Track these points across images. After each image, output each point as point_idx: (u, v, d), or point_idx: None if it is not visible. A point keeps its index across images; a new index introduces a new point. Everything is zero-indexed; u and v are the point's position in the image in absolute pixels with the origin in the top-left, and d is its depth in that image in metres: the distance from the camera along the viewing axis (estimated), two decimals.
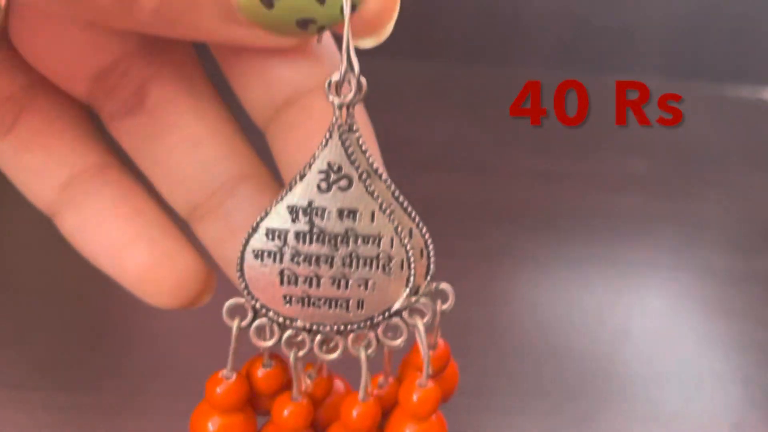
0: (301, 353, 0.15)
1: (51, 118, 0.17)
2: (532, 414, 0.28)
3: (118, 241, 0.16)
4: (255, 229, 0.14)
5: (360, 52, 0.14)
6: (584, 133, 0.51)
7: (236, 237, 0.16)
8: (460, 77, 0.57)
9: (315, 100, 0.15)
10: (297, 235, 0.14)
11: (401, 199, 0.15)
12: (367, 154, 0.14)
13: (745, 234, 0.40)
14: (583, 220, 0.40)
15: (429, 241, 0.15)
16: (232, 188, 0.16)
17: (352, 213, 0.14)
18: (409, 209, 0.15)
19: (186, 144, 0.16)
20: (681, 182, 0.45)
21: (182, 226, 0.17)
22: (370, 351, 0.15)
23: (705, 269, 0.37)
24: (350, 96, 0.14)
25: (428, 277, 0.15)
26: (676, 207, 0.42)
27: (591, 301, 0.34)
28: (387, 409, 0.16)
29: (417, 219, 0.15)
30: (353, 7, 0.13)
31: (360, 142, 0.14)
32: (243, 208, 0.16)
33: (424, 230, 0.15)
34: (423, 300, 0.15)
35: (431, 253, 0.15)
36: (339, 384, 0.17)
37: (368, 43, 0.14)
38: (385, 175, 0.14)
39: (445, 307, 0.15)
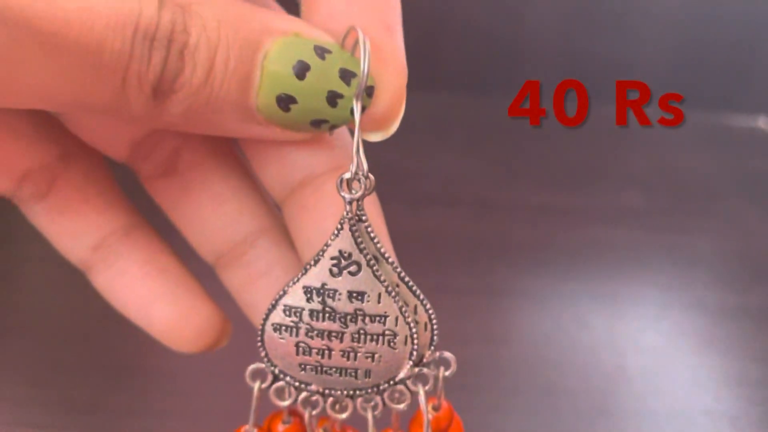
0: (315, 412, 0.17)
1: (83, 185, 0.19)
2: None
3: (145, 297, 0.19)
4: (274, 306, 0.16)
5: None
6: (584, 165, 0.52)
7: (256, 284, 0.18)
8: (462, 110, 0.58)
9: (327, 183, 0.17)
10: (311, 313, 0.16)
11: (407, 279, 0.16)
12: (375, 241, 0.16)
13: (737, 269, 0.41)
14: (580, 256, 0.41)
15: (432, 316, 0.16)
16: (253, 240, 0.18)
17: (361, 295, 0.16)
18: (414, 288, 0.16)
19: (213, 201, 0.18)
20: (676, 215, 0.46)
21: (208, 274, 0.19)
22: (376, 413, 0.17)
23: (697, 305, 0.38)
24: (360, 192, 0.15)
25: (432, 347, 0.17)
26: (671, 241, 0.43)
27: (587, 338, 0.35)
28: None
29: (421, 296, 0.16)
30: (362, 109, 0.15)
31: (369, 230, 0.16)
32: (263, 257, 0.18)
33: (428, 306, 0.16)
34: (425, 369, 0.16)
35: (435, 326, 0.17)
36: None
37: (377, 137, 0.16)
38: (392, 259, 0.16)
39: (447, 373, 0.17)
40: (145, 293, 0.19)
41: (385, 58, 0.15)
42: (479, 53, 0.59)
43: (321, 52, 0.15)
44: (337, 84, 0.14)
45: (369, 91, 0.15)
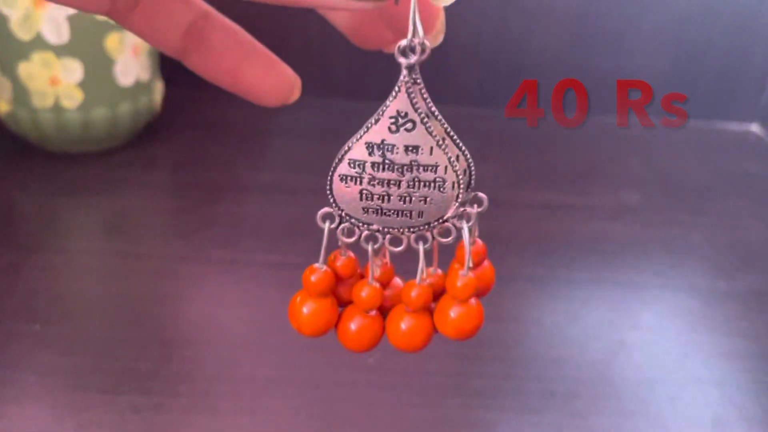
0: (376, 246, 0.19)
1: None
2: (539, 411, 0.33)
3: (233, 64, 0.22)
4: (341, 159, 0.18)
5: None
6: (584, 167, 0.56)
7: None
8: (473, 120, 0.63)
9: None
10: (373, 165, 0.18)
11: (451, 132, 0.18)
12: (427, 100, 0.18)
13: (727, 258, 0.45)
14: (582, 247, 0.45)
15: (471, 163, 0.19)
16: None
17: (416, 148, 0.18)
18: (457, 140, 0.18)
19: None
20: (671, 212, 0.50)
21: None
22: (426, 245, 0.19)
23: (690, 289, 0.42)
24: (415, 58, 0.17)
25: (469, 189, 0.19)
26: (666, 234, 0.47)
27: (589, 316, 0.39)
28: (436, 295, 0.20)
29: (463, 147, 0.19)
30: None
31: (422, 92, 0.18)
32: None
33: (467, 155, 0.19)
34: (468, 208, 0.19)
35: (473, 171, 0.19)
36: (397, 280, 0.21)
37: (446, 1, 0.18)
38: (440, 116, 0.18)
39: (480, 209, 0.19)
40: (232, 61, 0.22)
41: None
42: (486, 67, 0.63)
43: None
44: None
45: None
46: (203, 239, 0.43)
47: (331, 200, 0.19)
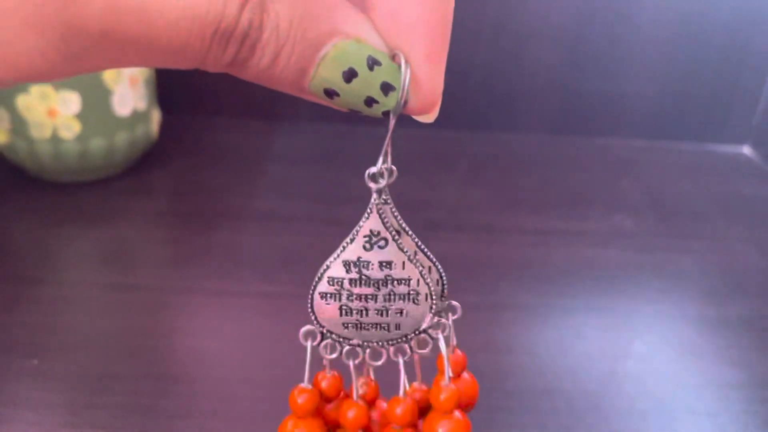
0: (357, 361, 0.20)
1: None
2: None
3: None
4: (320, 278, 0.20)
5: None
6: (577, 191, 0.56)
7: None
8: (464, 144, 0.63)
9: None
10: (350, 281, 0.20)
11: (422, 246, 0.20)
12: (398, 218, 0.20)
13: (718, 284, 0.45)
14: (575, 274, 0.46)
15: (443, 273, 0.21)
16: None
17: (389, 263, 0.19)
18: (428, 253, 0.20)
19: None
20: (663, 237, 0.51)
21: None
22: (405, 358, 0.21)
23: (681, 317, 0.42)
24: (384, 182, 0.19)
25: (443, 298, 0.21)
26: (658, 259, 0.48)
27: (582, 346, 0.39)
28: (423, 410, 0.21)
29: (434, 259, 0.20)
30: (405, 104, 0.18)
31: (393, 210, 0.20)
32: None
33: (439, 267, 0.20)
34: (443, 319, 0.21)
35: (444, 281, 0.21)
36: (382, 402, 0.22)
37: (426, 119, 0.20)
38: (410, 231, 0.20)
39: (455, 317, 0.21)
40: None
41: (420, 84, 0.18)
42: (480, 92, 0.64)
43: (372, 63, 0.17)
44: (376, 93, 0.17)
45: (400, 101, 0.18)
46: (199, 269, 0.43)
47: (313, 318, 0.20)
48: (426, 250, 0.20)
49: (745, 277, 0.46)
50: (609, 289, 0.44)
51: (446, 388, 0.20)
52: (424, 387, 0.22)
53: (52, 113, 0.46)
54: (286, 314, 0.40)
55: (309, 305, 0.20)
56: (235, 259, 0.45)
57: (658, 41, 0.62)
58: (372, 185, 0.19)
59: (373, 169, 0.19)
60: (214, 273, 0.43)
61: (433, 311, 0.20)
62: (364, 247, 0.19)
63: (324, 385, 0.21)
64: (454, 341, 0.21)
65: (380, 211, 0.19)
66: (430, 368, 0.22)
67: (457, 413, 0.20)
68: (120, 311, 0.40)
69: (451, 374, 0.20)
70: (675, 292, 0.44)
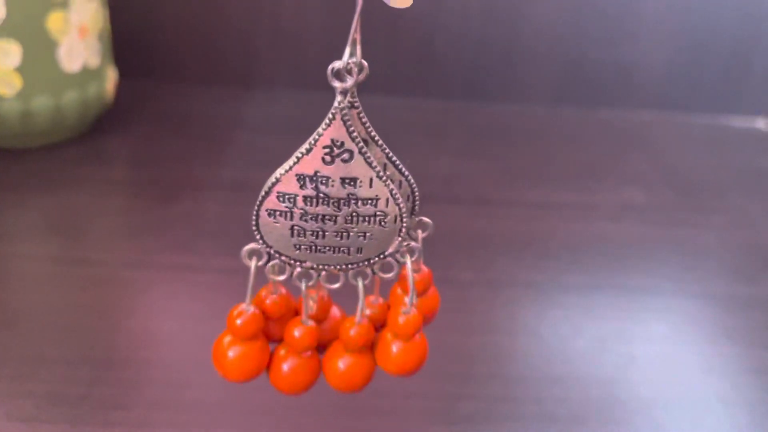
0: (310, 284, 0.18)
1: None
2: None
3: None
4: (268, 193, 0.17)
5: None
6: (582, 163, 0.51)
7: None
8: (460, 114, 0.58)
9: None
10: (305, 198, 0.17)
11: (393, 157, 0.17)
12: (366, 124, 0.16)
13: (745, 260, 0.40)
14: (584, 249, 0.40)
15: (415, 188, 0.18)
16: None
17: (353, 180, 0.16)
18: (399, 165, 0.17)
19: None
20: (678, 211, 0.46)
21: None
22: (366, 281, 0.18)
23: (706, 295, 0.37)
24: (351, 82, 0.15)
25: (413, 215, 0.18)
26: (676, 235, 0.42)
27: (594, 327, 0.34)
28: (377, 325, 0.19)
29: (405, 172, 0.17)
30: None
31: (360, 116, 0.16)
32: None
33: (411, 180, 0.17)
34: (413, 243, 0.18)
35: (417, 197, 0.18)
36: (335, 310, 0.19)
37: (400, 3, 0.16)
38: (380, 140, 0.17)
39: (425, 235, 0.18)
40: None
41: None
42: (475, 59, 0.58)
43: None
44: None
45: None
46: (153, 242, 0.38)
47: (258, 236, 0.17)
48: (397, 161, 0.17)
49: None
50: (622, 266, 0.39)
51: (406, 315, 0.18)
52: (380, 301, 0.19)
53: None
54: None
55: (254, 222, 0.17)
56: (195, 232, 0.39)
57: (670, 7, 0.57)
58: (336, 84, 0.16)
59: (337, 64, 0.15)
60: (171, 246, 0.38)
61: (401, 235, 0.17)
62: (324, 160, 0.16)
63: (268, 302, 0.18)
64: (420, 259, 0.18)
65: (345, 117, 0.16)
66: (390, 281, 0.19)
67: (417, 336, 0.18)
68: (60, 287, 0.34)
69: (415, 300, 0.18)
70: (697, 269, 0.39)
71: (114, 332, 0.32)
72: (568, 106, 0.59)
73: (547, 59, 0.58)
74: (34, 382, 0.28)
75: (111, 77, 0.47)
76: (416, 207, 0.18)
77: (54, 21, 0.41)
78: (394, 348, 0.18)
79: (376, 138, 0.17)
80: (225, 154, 0.48)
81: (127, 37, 0.52)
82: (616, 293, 0.37)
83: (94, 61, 0.44)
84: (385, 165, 0.17)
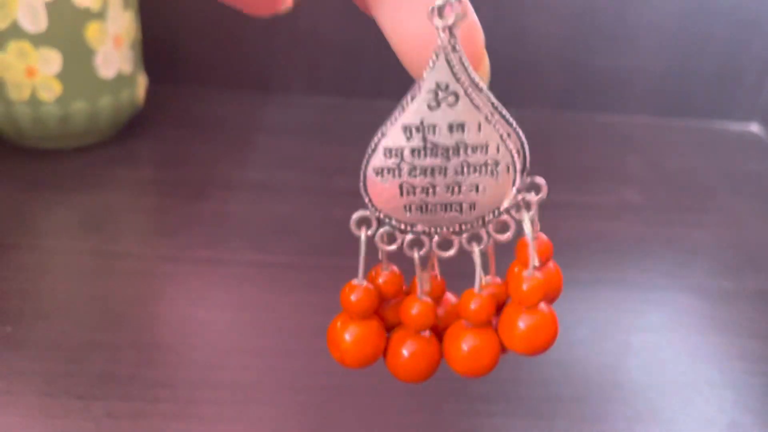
0: (422, 252, 0.17)
1: None
2: (544, 416, 0.31)
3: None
4: (374, 150, 0.16)
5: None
6: (582, 165, 0.54)
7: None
8: None
9: None
10: (412, 151, 0.16)
11: (498, 106, 0.16)
12: (469, 70, 0.15)
13: (733, 257, 0.43)
14: (584, 246, 0.43)
15: (525, 141, 0.16)
16: None
17: (461, 126, 0.15)
18: (507, 116, 0.16)
19: None
20: (674, 211, 0.49)
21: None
22: (482, 246, 0.17)
23: (698, 289, 0.40)
24: (452, 18, 0.15)
25: (525, 172, 0.16)
26: (670, 233, 0.45)
27: (596, 317, 0.37)
28: (498, 307, 0.17)
29: (514, 124, 0.16)
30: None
31: (462, 60, 0.15)
32: None
33: (519, 132, 0.16)
34: (528, 195, 0.16)
35: (527, 151, 0.16)
36: (450, 296, 0.18)
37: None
38: (483, 87, 0.16)
39: (540, 197, 0.16)
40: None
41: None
42: None
43: None
44: None
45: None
46: (186, 238, 0.41)
47: (367, 200, 0.16)
48: (505, 111, 0.16)
49: (759, 251, 0.44)
50: (619, 262, 0.42)
51: (530, 278, 0.16)
52: (498, 280, 0.17)
53: (31, 72, 0.43)
54: (278, 283, 0.38)
55: (362, 185, 0.16)
56: (224, 228, 0.42)
57: (665, 16, 0.60)
58: (437, 22, 0.15)
59: (438, 2, 0.15)
60: (203, 241, 0.41)
61: (515, 186, 0.16)
62: (429, 106, 0.15)
63: (381, 281, 0.17)
64: (538, 225, 0.17)
65: (449, 58, 0.15)
66: (506, 259, 0.18)
67: (543, 305, 0.16)
68: (101, 278, 0.37)
69: (537, 263, 0.16)
70: (689, 265, 0.42)
71: (156, 320, 0.35)
72: (569, 110, 0.62)
73: (548, 67, 0.61)
74: (87, 364, 0.31)
75: (141, 83, 0.50)
76: (527, 164, 0.16)
77: (92, 31, 0.44)
78: (521, 323, 0.16)
79: (481, 85, 0.16)
80: (247, 156, 0.51)
81: (155, 45, 0.55)
82: (614, 287, 0.40)
83: (127, 68, 0.47)
84: (492, 113, 0.16)
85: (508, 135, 0.16)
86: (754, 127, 0.63)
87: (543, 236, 0.17)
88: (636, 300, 0.39)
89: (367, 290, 0.16)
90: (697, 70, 0.62)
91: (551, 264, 0.18)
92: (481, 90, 0.15)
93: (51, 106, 0.45)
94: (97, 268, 0.38)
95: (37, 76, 0.43)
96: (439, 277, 0.18)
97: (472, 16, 0.16)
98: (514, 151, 0.16)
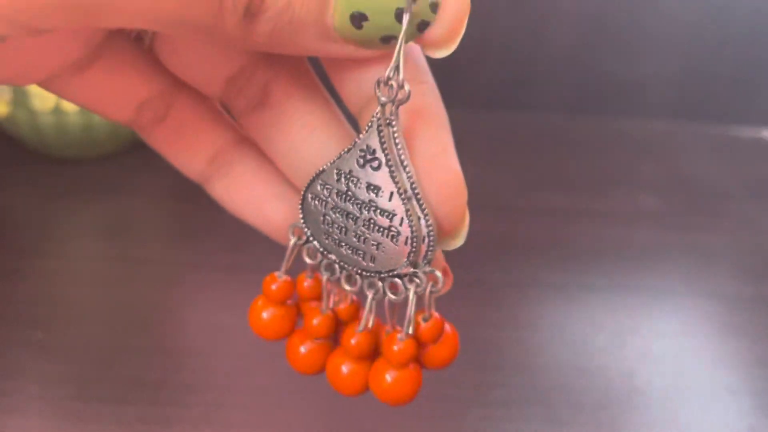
0: (332, 277, 0.19)
1: (195, 105, 0.20)
2: (563, 423, 0.31)
3: (260, 198, 0.20)
4: (316, 178, 0.18)
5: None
6: (598, 171, 0.55)
7: None
8: (482, 124, 0.61)
9: None
10: (338, 192, 0.18)
11: (417, 191, 0.17)
12: (399, 148, 0.17)
13: (752, 262, 0.43)
14: (602, 253, 0.44)
15: (432, 233, 0.17)
16: None
17: (377, 189, 0.17)
18: (422, 203, 0.17)
19: (303, 130, 0.19)
20: (691, 217, 0.49)
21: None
22: (376, 296, 0.18)
23: (716, 295, 0.40)
24: (389, 98, 0.16)
25: (425, 261, 0.18)
26: (687, 239, 0.46)
27: (614, 324, 0.37)
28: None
29: (426, 211, 0.17)
30: (426, 25, 0.16)
31: (395, 136, 0.17)
32: None
33: (429, 221, 0.17)
34: (421, 275, 0.18)
35: (432, 242, 0.17)
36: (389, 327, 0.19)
37: (440, 53, 0.17)
38: (409, 169, 0.17)
39: (433, 290, 0.18)
40: (259, 194, 0.20)
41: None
42: (498, 73, 0.62)
43: None
44: (404, 1, 0.15)
45: (433, 8, 0.16)
46: (210, 244, 0.41)
47: (301, 216, 0.18)
48: (421, 200, 0.17)
49: None
50: (637, 269, 0.43)
51: (401, 342, 0.18)
52: (436, 315, 0.19)
53: None
54: None
55: (300, 202, 0.18)
56: (247, 235, 0.43)
57: (680, 21, 0.60)
58: (380, 96, 0.16)
59: (381, 77, 0.16)
60: (226, 248, 0.41)
61: (410, 260, 0.17)
62: (358, 162, 0.17)
63: (305, 285, 0.19)
64: (433, 305, 0.18)
65: (380, 130, 0.17)
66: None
67: (411, 366, 0.18)
68: (127, 284, 0.38)
69: (410, 331, 0.18)
70: (707, 270, 0.43)
71: (182, 325, 0.35)
72: (585, 116, 0.63)
73: (565, 72, 0.62)
74: (118, 368, 0.32)
75: None
76: (429, 253, 0.17)
77: None
78: (388, 377, 0.18)
79: (406, 165, 0.17)
80: None
81: None
82: (631, 293, 0.40)
83: None
84: (406, 191, 0.17)
85: (418, 218, 0.17)
86: (767, 133, 0.64)
87: (436, 315, 0.18)
88: (654, 306, 0.39)
89: (285, 283, 0.19)
90: (713, 76, 0.62)
91: (449, 329, 0.19)
92: (405, 170, 0.17)
93: (74, 116, 0.45)
94: (122, 274, 0.39)
95: None
96: (355, 301, 0.19)
97: (454, 163, 0.18)
98: (415, 229, 0.17)
